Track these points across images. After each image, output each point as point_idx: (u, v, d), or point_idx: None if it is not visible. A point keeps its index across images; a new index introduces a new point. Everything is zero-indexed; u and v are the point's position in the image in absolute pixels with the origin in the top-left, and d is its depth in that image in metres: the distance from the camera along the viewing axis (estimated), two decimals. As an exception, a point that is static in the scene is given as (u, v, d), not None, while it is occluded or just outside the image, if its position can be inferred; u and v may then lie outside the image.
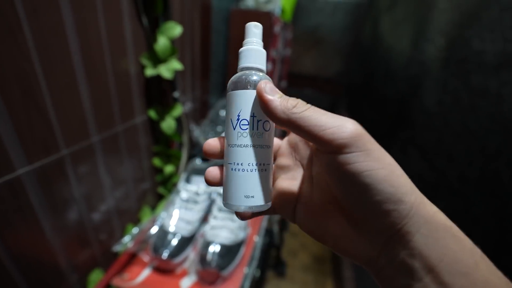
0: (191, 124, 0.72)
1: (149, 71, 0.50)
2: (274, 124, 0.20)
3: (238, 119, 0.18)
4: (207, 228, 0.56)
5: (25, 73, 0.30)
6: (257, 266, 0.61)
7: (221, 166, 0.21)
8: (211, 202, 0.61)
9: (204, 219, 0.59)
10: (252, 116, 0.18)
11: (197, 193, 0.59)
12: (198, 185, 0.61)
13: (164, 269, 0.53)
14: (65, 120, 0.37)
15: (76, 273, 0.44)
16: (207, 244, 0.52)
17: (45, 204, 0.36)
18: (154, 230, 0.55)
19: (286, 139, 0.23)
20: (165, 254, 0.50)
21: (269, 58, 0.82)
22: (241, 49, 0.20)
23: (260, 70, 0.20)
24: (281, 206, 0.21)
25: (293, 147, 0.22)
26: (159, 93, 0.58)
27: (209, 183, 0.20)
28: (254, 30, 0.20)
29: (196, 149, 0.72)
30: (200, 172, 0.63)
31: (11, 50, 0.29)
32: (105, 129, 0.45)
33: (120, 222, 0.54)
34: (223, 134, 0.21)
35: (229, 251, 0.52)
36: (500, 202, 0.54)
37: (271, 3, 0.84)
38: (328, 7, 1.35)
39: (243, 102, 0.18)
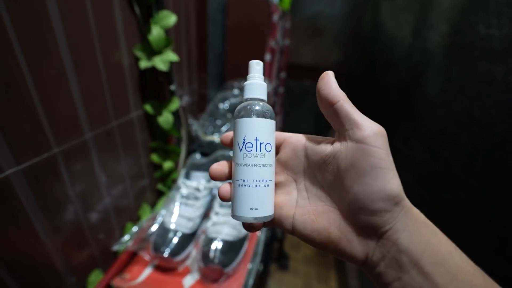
0: (189, 118, 0.70)
1: (143, 63, 0.48)
2: (274, 145, 0.22)
3: (244, 142, 0.21)
4: (209, 225, 0.54)
5: (7, 65, 0.28)
6: (260, 261, 0.60)
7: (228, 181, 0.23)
8: (212, 198, 0.60)
9: (206, 215, 0.58)
10: (256, 139, 0.21)
11: (197, 189, 0.57)
12: (198, 180, 0.59)
13: (165, 268, 0.51)
14: (55, 116, 0.34)
15: (75, 274, 0.43)
16: (210, 241, 0.51)
17: (38, 205, 0.34)
18: (154, 228, 0.53)
19: (276, 158, 0.24)
20: (166, 252, 0.49)
21: (268, 49, 0.80)
22: (245, 83, 0.23)
23: (262, 100, 0.23)
24: (280, 219, 0.22)
25: (284, 165, 0.24)
26: (154, 87, 0.55)
27: (222, 199, 0.23)
28: (256, 67, 0.23)
29: (195, 144, 0.70)
30: (200, 167, 0.61)
31: (-10, 41, 0.26)
32: (98, 125, 0.43)
33: (118, 221, 0.53)
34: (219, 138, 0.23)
35: (232, 248, 0.51)
36: (507, 192, 0.53)
37: (269, -10, 0.80)
38: (327, -5, 1.30)
39: (248, 128, 0.21)
